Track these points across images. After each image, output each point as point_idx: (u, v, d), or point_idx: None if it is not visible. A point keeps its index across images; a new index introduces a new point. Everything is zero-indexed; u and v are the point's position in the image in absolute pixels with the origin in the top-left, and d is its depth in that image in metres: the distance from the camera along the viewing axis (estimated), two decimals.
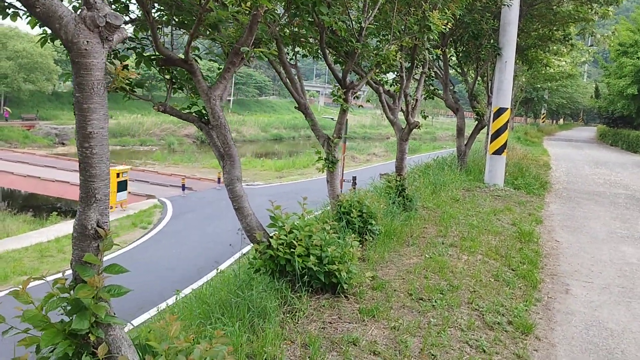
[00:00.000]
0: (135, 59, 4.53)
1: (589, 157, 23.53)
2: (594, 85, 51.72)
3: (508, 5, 10.34)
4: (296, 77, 6.60)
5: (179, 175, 26.71)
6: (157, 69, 4.48)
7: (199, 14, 3.65)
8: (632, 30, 29.59)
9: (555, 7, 12.41)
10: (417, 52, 7.73)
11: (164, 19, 4.57)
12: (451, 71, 13.09)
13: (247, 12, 4.21)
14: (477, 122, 12.96)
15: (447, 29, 6.86)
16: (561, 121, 71.32)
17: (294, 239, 4.27)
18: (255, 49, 4.21)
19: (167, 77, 4.58)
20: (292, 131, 63.70)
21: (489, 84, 13.56)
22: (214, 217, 18.94)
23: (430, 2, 6.75)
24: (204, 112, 4.58)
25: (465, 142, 12.90)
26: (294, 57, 7.01)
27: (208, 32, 4.51)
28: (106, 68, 2.24)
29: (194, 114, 4.62)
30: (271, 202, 4.47)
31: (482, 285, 5.09)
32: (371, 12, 5.97)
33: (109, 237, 2.20)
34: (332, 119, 27.85)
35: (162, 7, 4.39)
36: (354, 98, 6.81)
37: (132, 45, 4.54)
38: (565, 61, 25.29)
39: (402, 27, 6.88)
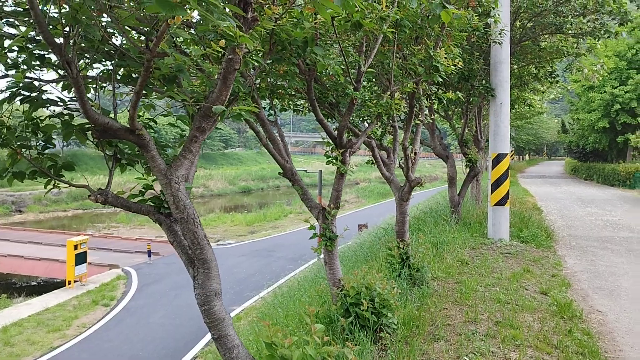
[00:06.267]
0: (62, 130, 3.19)
1: (572, 195, 22.82)
2: (559, 121, 52.42)
3: (499, 43, 9.41)
4: (278, 136, 5.39)
5: (145, 240, 24.82)
6: (94, 142, 3.16)
7: (145, 61, 2.36)
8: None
9: (542, 42, 11.65)
10: (415, 98, 6.63)
11: (101, 73, 3.28)
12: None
13: (217, 56, 2.93)
14: (469, 169, 11.91)
15: (456, 69, 5.73)
16: (527, 157, 71.97)
17: None
18: (233, 108, 2.94)
19: (109, 153, 3.26)
20: (260, 182, 62.32)
21: (477, 129, 12.60)
22: (184, 286, 17.18)
23: (433, 39, 5.68)
24: (163, 198, 3.24)
25: (458, 192, 11.79)
26: (272, 113, 5.81)
27: (164, 88, 3.21)
28: None
29: (149, 202, 3.27)
30: (268, 325, 3.09)
31: None
32: (371, 52, 4.80)
33: None
34: (304, 170, 26.53)
35: (96, 56, 3.08)
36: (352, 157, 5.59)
37: (57, 112, 3.22)
38: (535, 99, 24.92)
39: (403, 70, 5.78)
